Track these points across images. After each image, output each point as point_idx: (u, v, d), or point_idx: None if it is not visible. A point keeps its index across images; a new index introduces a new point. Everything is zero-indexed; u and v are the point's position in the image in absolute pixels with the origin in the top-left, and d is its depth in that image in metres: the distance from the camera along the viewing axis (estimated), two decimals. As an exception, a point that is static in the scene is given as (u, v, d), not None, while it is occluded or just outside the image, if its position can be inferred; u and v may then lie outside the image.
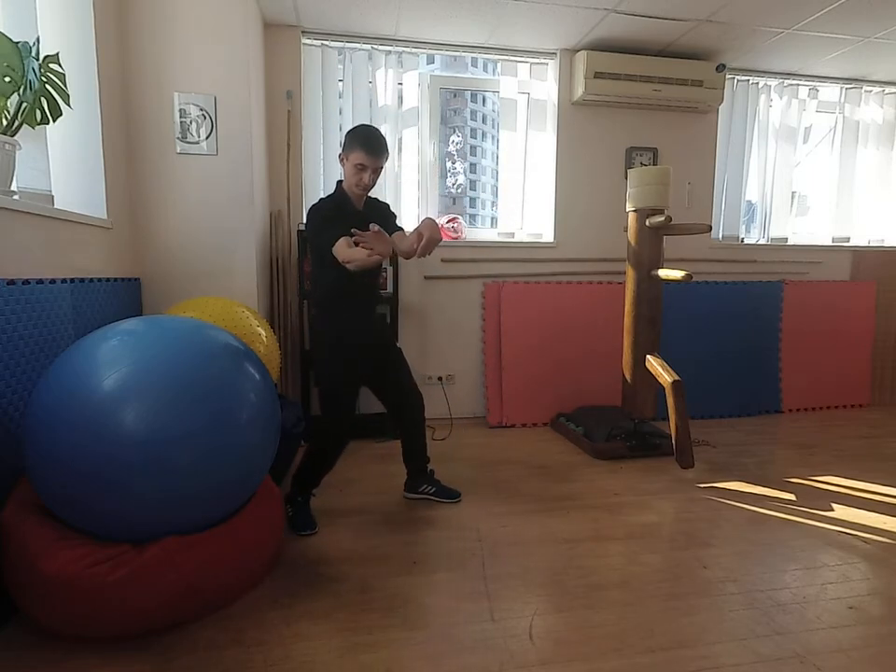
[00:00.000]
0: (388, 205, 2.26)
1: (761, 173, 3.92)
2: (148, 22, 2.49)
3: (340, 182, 2.11)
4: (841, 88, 3.95)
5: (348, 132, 2.04)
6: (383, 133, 3.29)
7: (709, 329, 3.71)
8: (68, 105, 1.88)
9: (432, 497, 2.33)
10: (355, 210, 2.07)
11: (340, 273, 1.90)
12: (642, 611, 1.60)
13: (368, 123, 2.14)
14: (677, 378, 2.65)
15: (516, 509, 2.27)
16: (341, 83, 3.30)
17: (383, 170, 2.06)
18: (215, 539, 1.52)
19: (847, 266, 4.10)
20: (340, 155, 2.04)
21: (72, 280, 1.94)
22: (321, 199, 2.11)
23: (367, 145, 1.95)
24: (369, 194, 2.12)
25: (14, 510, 1.47)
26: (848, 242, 4.15)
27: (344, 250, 1.84)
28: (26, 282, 1.66)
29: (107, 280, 2.25)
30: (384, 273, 3.22)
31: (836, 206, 4.09)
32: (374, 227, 1.94)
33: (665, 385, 2.70)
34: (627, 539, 2.03)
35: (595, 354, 3.55)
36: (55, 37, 2.10)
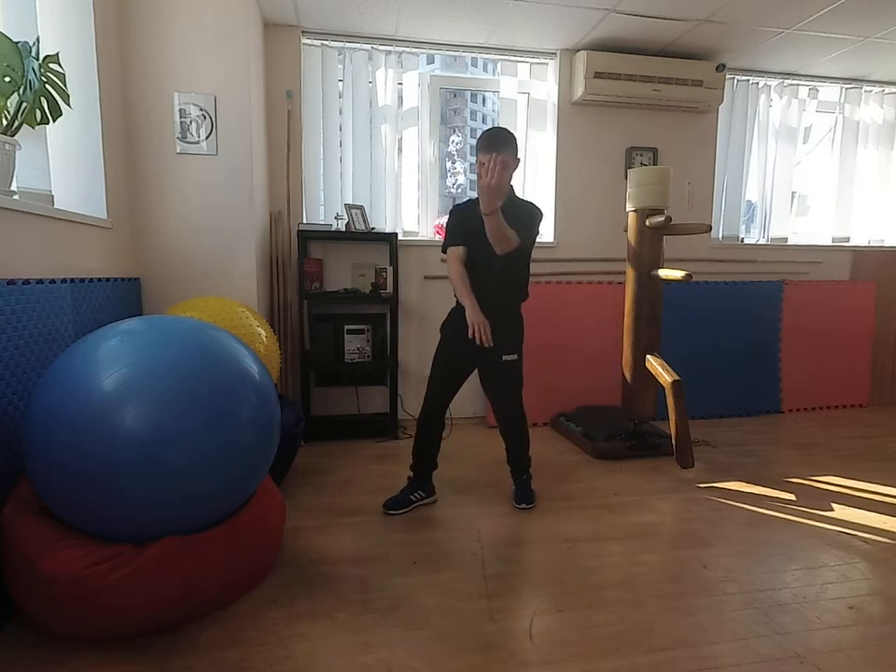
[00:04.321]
0: (529, 208, 2.16)
1: (761, 173, 3.92)
2: (148, 22, 2.49)
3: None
4: (841, 88, 3.95)
5: None
6: (383, 133, 3.36)
7: (709, 330, 3.71)
8: (68, 105, 1.87)
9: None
10: (478, 214, 1.95)
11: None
12: (642, 611, 1.60)
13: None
14: (677, 378, 2.65)
15: (516, 509, 2.27)
16: (341, 83, 3.31)
17: (508, 165, 1.96)
18: (215, 539, 1.52)
19: (847, 266, 4.11)
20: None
21: (72, 280, 1.94)
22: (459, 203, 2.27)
23: (479, 142, 2.11)
24: (518, 198, 2.22)
25: (14, 509, 1.47)
26: (848, 242, 4.15)
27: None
28: (26, 282, 1.66)
29: (107, 280, 2.25)
30: (383, 274, 3.22)
31: (836, 206, 4.09)
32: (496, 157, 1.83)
33: (664, 385, 2.70)
34: (627, 539, 2.03)
35: (594, 353, 3.55)
36: (55, 37, 2.10)
